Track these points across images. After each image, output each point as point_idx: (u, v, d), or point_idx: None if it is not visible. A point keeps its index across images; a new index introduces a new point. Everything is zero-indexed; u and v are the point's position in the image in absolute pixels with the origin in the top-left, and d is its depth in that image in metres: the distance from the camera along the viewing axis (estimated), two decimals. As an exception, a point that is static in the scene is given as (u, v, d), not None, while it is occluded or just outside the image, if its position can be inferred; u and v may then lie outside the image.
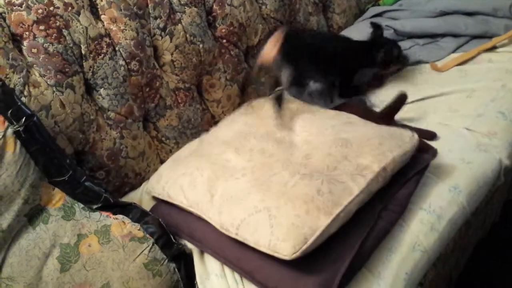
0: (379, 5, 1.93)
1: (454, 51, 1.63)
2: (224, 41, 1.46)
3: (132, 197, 1.22)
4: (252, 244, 0.91)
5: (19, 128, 0.94)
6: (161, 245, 0.99)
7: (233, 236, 0.94)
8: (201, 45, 1.37)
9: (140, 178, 1.28)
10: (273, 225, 0.90)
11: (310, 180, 0.97)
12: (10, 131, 0.93)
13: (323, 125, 1.15)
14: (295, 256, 0.86)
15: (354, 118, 1.20)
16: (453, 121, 1.31)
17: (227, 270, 0.98)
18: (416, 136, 1.09)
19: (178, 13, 1.33)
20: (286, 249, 0.86)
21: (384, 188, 1.03)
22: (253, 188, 0.98)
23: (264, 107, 1.29)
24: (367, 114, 1.31)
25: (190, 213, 1.05)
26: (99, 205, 0.99)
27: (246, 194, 0.97)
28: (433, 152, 1.13)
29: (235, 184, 1.01)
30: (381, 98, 1.45)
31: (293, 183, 0.97)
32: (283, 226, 0.89)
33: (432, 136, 1.25)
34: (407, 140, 1.07)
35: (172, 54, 1.32)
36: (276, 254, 0.88)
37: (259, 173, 1.02)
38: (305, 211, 0.91)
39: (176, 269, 0.99)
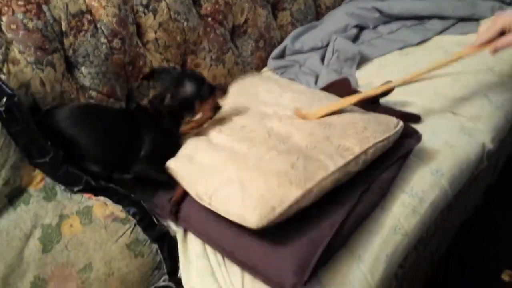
0: (367, -15, 1.91)
1: (440, 33, 1.64)
2: (209, 19, 1.43)
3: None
4: (223, 214, 0.92)
5: (0, 109, 0.92)
6: (143, 226, 0.98)
7: (207, 205, 0.95)
8: (185, 23, 1.35)
9: (124, 158, 1.26)
10: (244, 196, 0.90)
11: (286, 156, 0.97)
12: (-10, 111, 0.90)
13: (311, 104, 1.15)
14: (261, 224, 0.86)
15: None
16: (438, 104, 1.32)
17: (209, 252, 0.98)
18: (401, 123, 1.09)
19: (162, -10, 1.30)
20: (253, 218, 0.87)
21: (366, 170, 1.03)
22: (229, 160, 0.99)
23: (253, 83, 1.28)
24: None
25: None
26: (81, 187, 0.98)
27: (222, 166, 0.98)
28: (418, 137, 1.14)
29: (212, 156, 1.02)
30: (367, 81, 1.45)
31: (268, 157, 0.97)
32: (253, 197, 0.89)
33: (417, 119, 1.26)
34: (392, 127, 1.07)
35: (155, 32, 1.30)
36: (244, 223, 0.88)
37: (237, 148, 1.03)
38: (277, 184, 0.91)
39: (158, 250, 0.99)
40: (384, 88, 1.22)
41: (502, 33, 1.12)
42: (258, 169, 0.95)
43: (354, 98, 1.17)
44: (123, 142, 1.06)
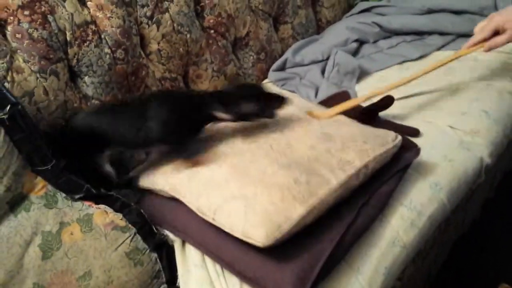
0: (367, 0, 1.94)
1: (439, 48, 1.66)
2: (212, 31, 1.45)
3: (115, 186, 1.22)
4: (227, 230, 0.92)
5: (3, 116, 0.92)
6: (143, 235, 0.98)
7: (210, 220, 0.95)
8: (188, 35, 1.37)
9: (124, 168, 1.27)
10: (248, 212, 0.90)
11: (288, 170, 0.97)
12: (-6, 119, 0.91)
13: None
14: (267, 243, 0.87)
15: (341, 116, 1.20)
16: (437, 118, 1.33)
17: (208, 262, 0.99)
18: (399, 137, 1.10)
19: (166, 2, 1.32)
20: (259, 236, 0.87)
21: (365, 184, 1.03)
22: (231, 175, 0.99)
23: None
24: (352, 108, 1.31)
25: (174, 203, 1.05)
26: (81, 195, 0.98)
27: (224, 181, 0.98)
28: (416, 151, 1.15)
29: (213, 169, 1.02)
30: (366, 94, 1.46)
31: (271, 172, 0.97)
32: (257, 213, 0.90)
33: (415, 132, 1.27)
34: (391, 141, 1.08)
35: (158, 43, 1.31)
36: (249, 240, 0.88)
37: (239, 160, 1.03)
38: (280, 199, 0.91)
39: (157, 259, 0.99)
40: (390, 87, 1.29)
41: (496, 32, 1.21)
42: (261, 183, 0.95)
43: (362, 98, 1.26)
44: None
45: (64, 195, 0.97)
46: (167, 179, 1.06)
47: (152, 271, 0.98)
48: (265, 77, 1.64)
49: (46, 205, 0.95)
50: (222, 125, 1.13)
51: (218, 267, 0.97)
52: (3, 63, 1.03)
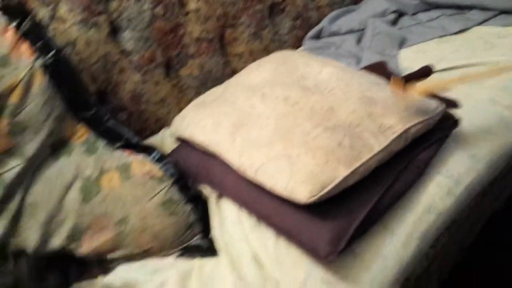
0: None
1: (480, 24, 1.61)
2: (250, -6, 1.44)
3: (151, 142, 1.22)
4: (268, 187, 0.92)
5: (47, 61, 0.93)
6: (178, 187, 0.99)
7: (251, 178, 0.95)
8: (226, -4, 1.36)
9: (160, 124, 1.28)
10: (293, 170, 0.90)
11: (332, 133, 0.96)
12: (38, 63, 0.92)
13: (351, 80, 1.13)
14: (310, 200, 0.87)
15: (382, 80, 1.18)
16: (477, 91, 1.30)
17: (243, 216, 0.99)
18: (442, 106, 1.08)
19: (207, -38, 1.31)
20: (303, 193, 0.87)
21: (405, 149, 1.02)
22: (275, 136, 0.98)
23: (292, 57, 1.28)
24: (388, 78, 1.29)
25: (210, 158, 1.05)
26: (121, 143, 0.99)
27: (268, 142, 0.98)
28: (455, 121, 1.13)
29: (258, 132, 1.01)
30: (404, 65, 1.44)
31: (315, 134, 0.97)
32: (302, 172, 0.89)
33: (455, 104, 1.24)
34: (433, 109, 1.06)
35: (197, 2, 1.31)
36: (292, 196, 0.88)
37: (282, 123, 1.02)
38: (324, 161, 0.91)
39: (192, 211, 1.00)
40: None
41: None
42: (305, 145, 0.94)
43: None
44: None
45: (104, 142, 0.98)
46: (207, 135, 1.06)
47: (185, 222, 0.99)
48: (300, 45, 1.62)
49: (87, 151, 0.96)
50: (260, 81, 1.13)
51: (253, 220, 0.97)
52: (47, 11, 1.04)
